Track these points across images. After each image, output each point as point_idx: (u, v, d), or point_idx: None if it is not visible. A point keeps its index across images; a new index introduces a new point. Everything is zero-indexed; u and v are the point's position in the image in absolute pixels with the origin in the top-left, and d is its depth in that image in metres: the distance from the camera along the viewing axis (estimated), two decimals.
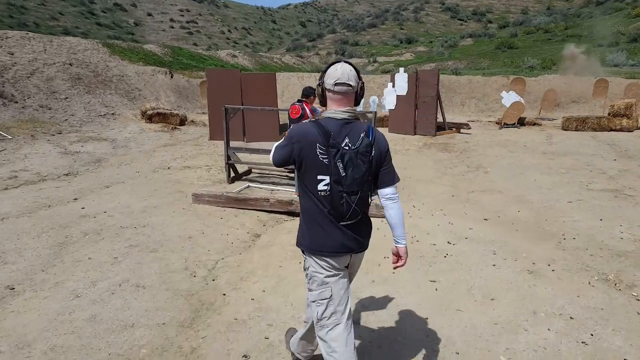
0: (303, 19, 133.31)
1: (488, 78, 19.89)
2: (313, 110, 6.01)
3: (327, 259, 2.11)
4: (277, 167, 2.24)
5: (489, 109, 18.34)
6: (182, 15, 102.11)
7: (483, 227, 5.17)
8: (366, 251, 2.26)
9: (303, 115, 5.80)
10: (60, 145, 10.23)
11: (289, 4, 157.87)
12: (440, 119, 12.71)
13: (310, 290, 2.20)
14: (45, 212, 5.63)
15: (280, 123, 12.12)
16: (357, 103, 2.14)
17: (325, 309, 2.14)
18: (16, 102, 12.61)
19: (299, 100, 6.07)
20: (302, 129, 2.07)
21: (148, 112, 13.82)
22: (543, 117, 15.24)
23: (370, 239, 2.25)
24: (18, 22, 61.69)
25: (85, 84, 15.30)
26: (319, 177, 2.02)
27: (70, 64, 15.90)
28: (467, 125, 13.13)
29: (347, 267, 2.21)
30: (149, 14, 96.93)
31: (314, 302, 2.18)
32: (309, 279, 2.20)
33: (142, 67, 18.35)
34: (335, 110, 2.06)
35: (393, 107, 12.86)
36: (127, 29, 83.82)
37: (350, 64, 2.13)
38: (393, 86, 12.56)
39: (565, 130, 13.00)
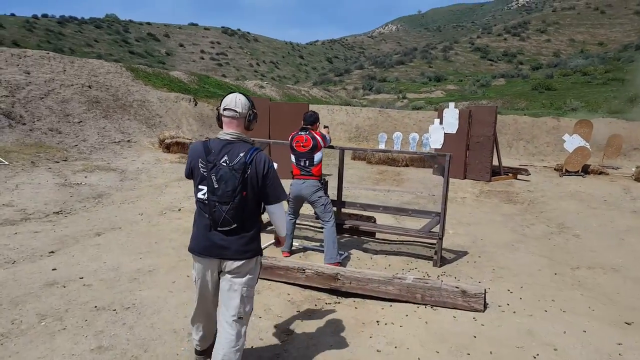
0: (330, 55, 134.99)
1: (536, 119, 18.18)
2: (323, 137, 4.83)
3: (198, 259, 2.44)
4: (187, 179, 2.52)
5: (539, 152, 16.55)
6: (213, 47, 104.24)
7: (636, 338, 3.42)
8: None
9: (315, 147, 4.71)
10: (61, 174, 8.91)
11: (316, 41, 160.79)
12: (495, 162, 11.02)
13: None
14: (2, 272, 4.13)
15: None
16: (247, 128, 2.47)
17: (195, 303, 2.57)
18: (24, 124, 11.49)
19: (303, 129, 4.83)
20: (194, 146, 2.47)
21: (166, 140, 12.56)
22: (606, 165, 13.39)
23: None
24: (54, 48, 63.31)
25: (103, 108, 14.23)
26: (200, 186, 2.38)
27: (90, 86, 14.93)
28: (525, 170, 11.40)
29: (220, 272, 2.46)
30: (181, 45, 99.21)
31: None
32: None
33: (166, 93, 17.33)
34: (222, 132, 2.42)
35: (440, 147, 11.25)
36: (159, 57, 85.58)
37: (245, 95, 2.46)
38: (440, 123, 11.01)
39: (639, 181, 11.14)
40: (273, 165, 2.46)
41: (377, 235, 5.76)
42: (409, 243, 5.79)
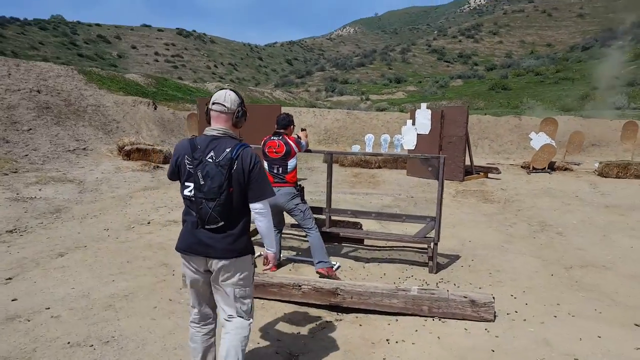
0: (289, 57, 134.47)
1: (498, 118, 18.59)
2: (298, 143, 4.51)
3: (184, 257, 2.39)
4: (170, 180, 2.46)
5: (504, 150, 16.90)
6: (168, 49, 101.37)
7: None
8: None
9: (289, 153, 4.39)
10: (12, 188, 8.14)
11: (275, 42, 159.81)
12: (467, 162, 11.06)
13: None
14: None
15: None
16: (235, 125, 2.41)
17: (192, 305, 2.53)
18: None
19: (276, 133, 4.48)
20: (180, 143, 2.41)
21: (126, 147, 11.85)
22: (569, 161, 13.79)
23: None
24: None
25: (55, 114, 13.30)
26: (186, 183, 2.32)
27: (38, 91, 13.93)
28: (496, 169, 11.52)
29: (208, 271, 2.39)
30: (134, 47, 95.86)
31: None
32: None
33: (122, 97, 16.46)
34: (209, 128, 2.38)
35: (413, 147, 11.12)
36: (110, 60, 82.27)
37: (234, 91, 2.42)
38: (413, 123, 10.87)
39: (605, 177, 11.48)
40: (260, 162, 2.40)
41: (365, 241, 5.50)
42: (399, 249, 5.57)
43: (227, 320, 2.41)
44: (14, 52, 64.42)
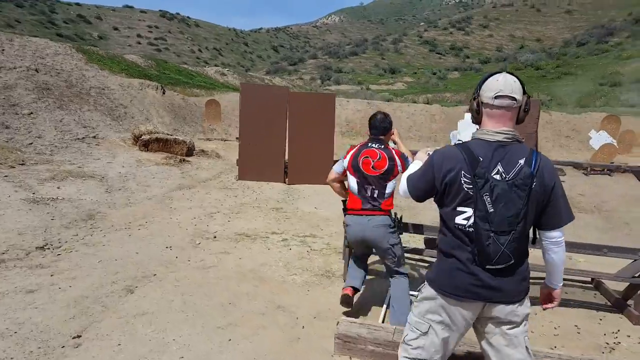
0: (275, 43, 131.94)
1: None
2: (404, 159, 3.11)
3: (453, 303, 1.78)
4: (417, 201, 1.91)
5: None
6: (151, 32, 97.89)
7: None
8: None
9: (391, 170, 3.05)
10: (24, 185, 6.68)
11: (260, 28, 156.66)
12: None
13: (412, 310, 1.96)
14: None
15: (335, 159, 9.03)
16: (519, 121, 1.80)
17: (414, 339, 1.88)
18: None
19: (375, 140, 3.16)
20: (446, 153, 1.80)
21: (143, 137, 10.37)
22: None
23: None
24: None
25: (56, 97, 11.69)
26: (460, 208, 1.75)
27: (37, 70, 12.27)
28: (560, 170, 10.51)
29: (472, 320, 1.81)
30: (115, 28, 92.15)
31: (408, 323, 1.94)
32: (418, 302, 1.92)
33: (127, 80, 14.85)
34: (489, 130, 1.75)
35: None
36: (91, 42, 78.58)
37: (514, 75, 1.80)
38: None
39: None
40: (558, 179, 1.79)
41: None
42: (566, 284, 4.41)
43: None
44: None
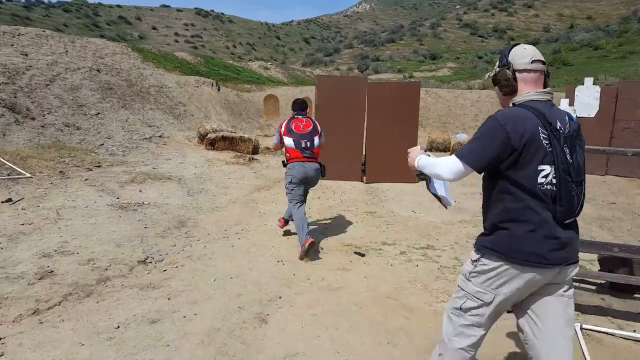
0: (307, 35, 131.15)
1: None
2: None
3: (532, 270, 1.72)
4: (479, 172, 1.81)
5: None
6: (187, 30, 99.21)
7: None
8: None
9: (315, 129, 4.76)
10: (106, 188, 6.44)
11: (292, 21, 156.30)
12: None
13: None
14: None
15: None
16: (546, 86, 1.86)
17: (474, 307, 1.84)
18: (33, 119, 8.87)
19: (299, 113, 4.80)
20: (514, 114, 1.74)
21: (209, 135, 10.09)
22: None
23: None
24: None
25: (119, 96, 11.59)
26: (541, 167, 1.70)
27: (98, 70, 12.22)
28: None
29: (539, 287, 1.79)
30: (154, 28, 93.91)
31: (465, 291, 1.87)
32: (476, 273, 1.83)
33: (184, 77, 14.67)
34: (536, 91, 1.79)
35: None
36: (132, 42, 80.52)
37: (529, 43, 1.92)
38: (570, 104, 8.89)
39: None
40: None
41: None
42: None
43: (568, 345, 1.77)
44: None
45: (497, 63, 1.93)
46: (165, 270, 4.03)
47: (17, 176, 6.32)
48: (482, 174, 1.87)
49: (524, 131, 1.68)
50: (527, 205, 1.71)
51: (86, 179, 6.78)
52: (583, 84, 7.48)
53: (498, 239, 1.78)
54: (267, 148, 10.56)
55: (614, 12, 73.95)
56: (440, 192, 2.09)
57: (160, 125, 11.20)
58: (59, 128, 9.02)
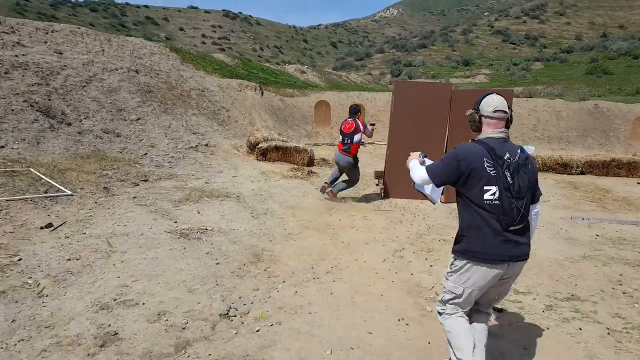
0: (334, 39, 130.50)
1: None
2: (365, 125, 6.32)
3: (486, 266, 2.30)
4: (437, 186, 2.52)
5: None
6: (215, 32, 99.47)
7: None
8: None
9: (356, 130, 6.16)
10: (159, 208, 5.56)
11: (319, 24, 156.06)
12: None
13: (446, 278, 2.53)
14: None
15: None
16: (508, 127, 2.44)
17: (451, 299, 2.49)
18: (69, 124, 8.12)
19: (351, 116, 6.34)
20: (470, 149, 2.36)
21: (261, 145, 9.18)
22: None
23: None
24: None
25: (159, 100, 10.81)
26: (486, 187, 2.28)
27: (137, 71, 11.49)
28: None
29: (497, 279, 2.36)
30: (181, 29, 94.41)
31: (445, 287, 2.52)
32: (451, 273, 2.47)
33: (225, 80, 13.86)
34: (493, 131, 2.39)
35: None
36: (159, 42, 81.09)
37: (499, 94, 2.49)
38: None
39: None
40: None
41: None
42: None
43: (486, 313, 2.59)
44: None
45: (474, 105, 2.48)
46: (258, 331, 3.09)
47: (56, 194, 5.48)
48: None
49: (471, 161, 2.30)
50: (479, 216, 2.31)
51: (134, 197, 5.91)
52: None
53: (462, 244, 2.39)
54: (323, 159, 9.59)
55: None
56: (424, 191, 2.70)
57: (205, 133, 10.35)
58: (98, 135, 8.23)
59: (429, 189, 2.68)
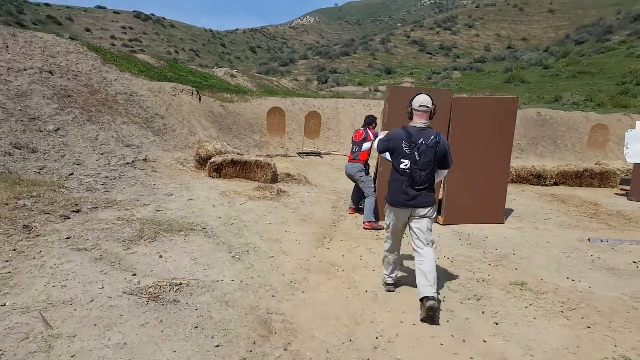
0: (253, 44, 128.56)
1: (607, 116, 15.68)
2: (376, 135, 6.04)
3: (395, 210, 3.62)
4: (380, 153, 3.79)
5: None
6: (125, 33, 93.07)
7: None
8: None
9: (366, 139, 6.16)
10: (105, 253, 4.08)
11: (237, 29, 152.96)
12: None
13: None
14: None
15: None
16: (430, 118, 3.58)
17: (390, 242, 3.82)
18: None
19: (364, 126, 6.38)
20: (398, 133, 3.58)
21: (214, 159, 7.78)
22: None
23: None
24: None
25: (81, 106, 8.97)
26: (402, 160, 3.51)
27: (51, 72, 9.52)
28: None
29: (409, 218, 3.61)
30: (88, 30, 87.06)
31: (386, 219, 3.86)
32: (386, 210, 3.80)
33: (157, 84, 12.11)
34: (416, 122, 3.54)
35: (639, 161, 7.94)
36: (75, 41, 73.96)
37: (429, 95, 3.61)
38: None
39: None
40: (448, 143, 3.58)
41: None
42: None
43: (420, 249, 3.55)
44: None
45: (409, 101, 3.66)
46: None
47: None
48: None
49: (395, 141, 3.55)
50: (397, 178, 3.57)
51: (68, 237, 4.34)
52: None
53: (387, 196, 3.72)
54: (289, 175, 8.39)
55: (544, 35, 78.54)
56: (386, 157, 3.78)
57: (141, 145, 8.68)
58: (7, 151, 6.36)
59: (387, 156, 3.72)
